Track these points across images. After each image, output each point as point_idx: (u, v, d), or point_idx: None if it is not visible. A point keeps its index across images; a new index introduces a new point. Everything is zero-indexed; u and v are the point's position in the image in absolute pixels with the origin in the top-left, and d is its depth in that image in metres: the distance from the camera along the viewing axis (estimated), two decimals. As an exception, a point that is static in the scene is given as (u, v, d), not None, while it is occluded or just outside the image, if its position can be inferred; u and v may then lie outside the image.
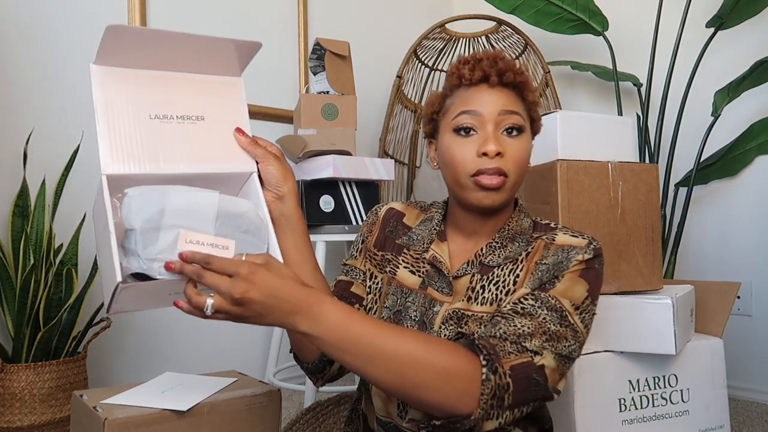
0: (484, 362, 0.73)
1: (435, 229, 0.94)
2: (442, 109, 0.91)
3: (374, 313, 0.94)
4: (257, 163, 0.83)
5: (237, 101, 0.84)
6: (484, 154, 0.83)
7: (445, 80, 0.93)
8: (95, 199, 0.75)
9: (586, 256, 0.84)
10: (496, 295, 0.86)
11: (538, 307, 0.80)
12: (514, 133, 0.85)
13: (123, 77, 0.72)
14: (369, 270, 0.97)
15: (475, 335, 0.79)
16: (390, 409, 0.90)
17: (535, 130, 0.93)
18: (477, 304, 0.86)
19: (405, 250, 0.95)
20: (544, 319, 0.79)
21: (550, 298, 0.81)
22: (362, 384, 0.99)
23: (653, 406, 1.35)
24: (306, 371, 0.91)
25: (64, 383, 1.48)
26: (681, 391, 1.38)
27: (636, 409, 1.34)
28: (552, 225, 0.92)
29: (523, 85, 0.88)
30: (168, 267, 0.67)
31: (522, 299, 0.82)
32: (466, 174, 0.85)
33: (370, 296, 0.95)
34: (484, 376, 0.72)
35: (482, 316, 0.85)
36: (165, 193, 0.70)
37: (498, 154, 0.83)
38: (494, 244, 0.90)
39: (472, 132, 0.85)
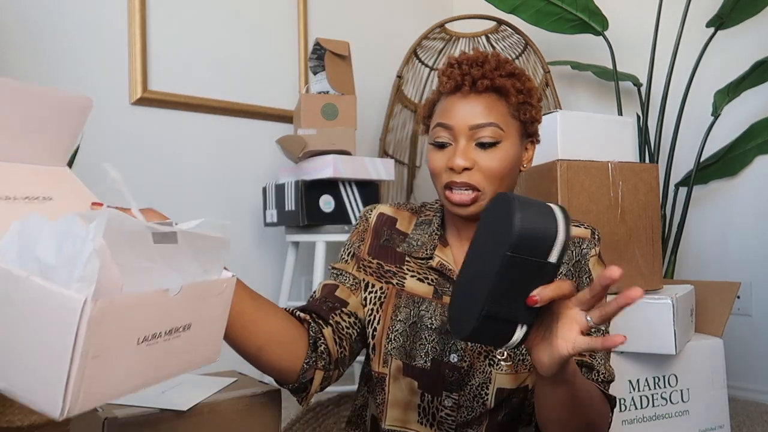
0: (611, 414, 0.83)
1: (436, 234, 0.92)
2: (431, 115, 0.90)
3: (378, 324, 0.90)
4: None
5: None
6: (452, 168, 0.83)
7: None
8: None
9: (597, 249, 0.90)
10: None
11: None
12: (487, 146, 0.83)
13: None
14: (364, 280, 0.92)
15: (598, 377, 0.86)
16: (409, 416, 0.89)
17: (529, 131, 0.89)
18: None
19: (407, 258, 0.92)
20: None
21: None
22: (371, 393, 0.96)
23: (653, 406, 1.35)
24: (291, 392, 0.85)
25: (64, 383, 1.48)
26: (681, 391, 1.38)
27: (636, 409, 1.34)
28: None
29: (504, 89, 0.84)
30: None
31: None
32: (440, 185, 0.86)
33: (368, 307, 0.91)
34: (609, 424, 0.82)
35: None
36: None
37: (466, 168, 0.83)
38: None
39: (446, 145, 0.85)
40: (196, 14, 2.06)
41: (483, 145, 0.83)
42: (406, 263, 0.91)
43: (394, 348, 0.88)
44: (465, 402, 0.87)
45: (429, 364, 0.86)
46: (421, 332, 0.87)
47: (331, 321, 0.87)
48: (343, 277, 0.93)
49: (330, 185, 1.91)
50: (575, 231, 0.90)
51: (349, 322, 0.89)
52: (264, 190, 2.09)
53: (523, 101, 0.86)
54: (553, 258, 0.61)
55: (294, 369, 0.80)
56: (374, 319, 0.90)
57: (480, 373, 0.86)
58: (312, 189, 1.88)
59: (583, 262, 0.89)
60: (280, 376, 0.81)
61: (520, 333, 0.62)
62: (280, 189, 1.97)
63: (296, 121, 1.98)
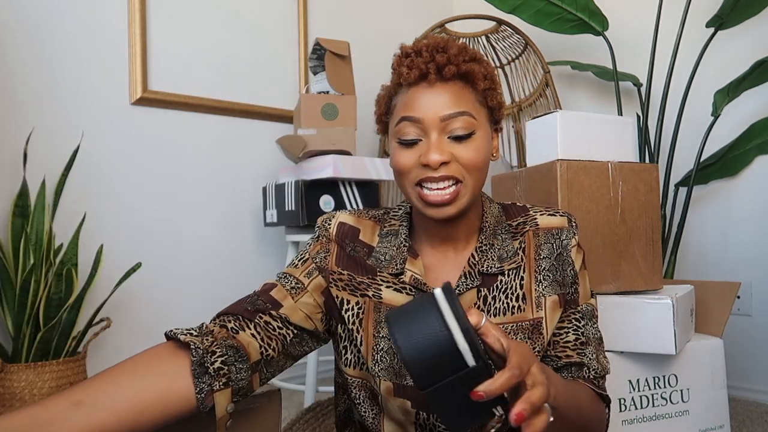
0: (607, 411, 0.85)
1: (404, 246, 0.84)
2: (389, 111, 0.83)
3: (361, 344, 0.83)
4: None
5: None
6: (427, 165, 0.76)
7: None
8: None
9: (576, 238, 0.87)
10: (508, 303, 0.82)
11: (584, 324, 0.86)
12: (462, 138, 0.77)
13: None
14: (338, 297, 0.84)
15: (590, 374, 0.84)
16: (407, 428, 0.85)
17: (496, 117, 0.83)
18: (490, 315, 0.82)
19: (378, 271, 0.84)
20: (593, 334, 0.87)
21: (585, 308, 0.87)
22: (364, 404, 0.90)
23: (653, 406, 1.35)
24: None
25: (64, 383, 1.48)
26: (681, 391, 1.38)
27: (636, 409, 1.34)
28: (519, 205, 0.90)
29: (471, 75, 0.77)
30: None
31: (574, 320, 0.86)
32: (410, 183, 0.79)
33: (348, 327, 0.84)
34: (607, 422, 0.85)
35: (500, 326, 0.81)
36: None
37: (444, 163, 0.76)
38: (483, 247, 0.84)
39: (416, 142, 0.78)
40: (196, 14, 2.06)
41: (458, 138, 0.77)
42: (378, 273, 0.84)
43: (381, 369, 0.81)
44: None
45: None
46: None
47: (258, 320, 0.78)
48: (284, 279, 0.84)
49: (330, 185, 1.91)
50: (551, 221, 0.86)
51: (281, 323, 0.80)
52: (264, 190, 2.09)
53: (488, 87, 0.80)
54: (471, 362, 0.54)
55: (190, 407, 0.69)
56: (356, 339, 0.83)
57: None
58: (312, 189, 1.88)
59: (564, 254, 0.85)
60: (183, 418, 0.70)
61: (499, 416, 0.58)
62: (280, 189, 1.97)
63: (296, 121, 1.98)
